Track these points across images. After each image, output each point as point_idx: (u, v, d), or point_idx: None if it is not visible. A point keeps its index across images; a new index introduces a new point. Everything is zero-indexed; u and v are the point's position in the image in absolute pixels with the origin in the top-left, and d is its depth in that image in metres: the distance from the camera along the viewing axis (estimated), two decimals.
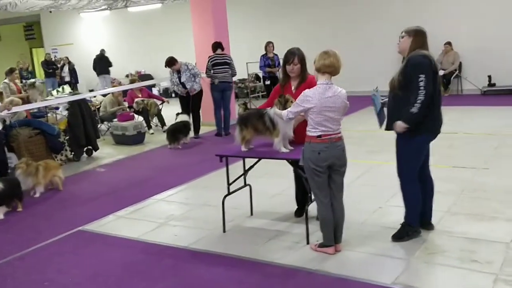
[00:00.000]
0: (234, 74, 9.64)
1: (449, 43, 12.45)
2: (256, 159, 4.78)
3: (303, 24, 14.61)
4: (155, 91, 15.60)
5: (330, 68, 3.86)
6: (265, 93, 13.86)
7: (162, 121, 10.67)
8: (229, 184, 4.75)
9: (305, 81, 4.51)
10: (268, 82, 11.61)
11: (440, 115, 4.08)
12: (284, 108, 4.22)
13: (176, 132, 8.89)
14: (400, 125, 3.97)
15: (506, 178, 5.68)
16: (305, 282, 3.68)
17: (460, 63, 12.58)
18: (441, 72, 12.68)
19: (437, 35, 12.56)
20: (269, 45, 11.56)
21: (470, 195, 5.21)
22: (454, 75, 12.55)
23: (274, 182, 6.09)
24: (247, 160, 4.84)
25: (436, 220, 4.54)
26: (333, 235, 4.07)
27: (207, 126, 10.24)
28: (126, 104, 10.76)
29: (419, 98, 3.85)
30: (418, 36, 4.02)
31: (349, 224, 4.65)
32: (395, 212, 4.85)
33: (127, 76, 18.15)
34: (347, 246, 4.21)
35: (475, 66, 12.39)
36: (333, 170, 3.98)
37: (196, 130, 9.61)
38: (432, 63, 3.91)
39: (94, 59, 17.09)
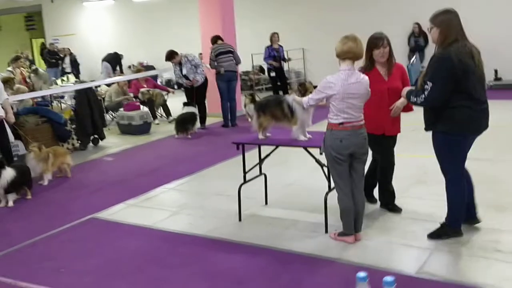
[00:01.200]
0: (238, 62, 9.58)
1: None
2: (273, 148, 4.71)
3: (310, 14, 14.52)
4: (158, 82, 15.48)
5: (350, 54, 3.77)
6: (269, 85, 13.80)
7: (167, 112, 10.59)
8: (245, 173, 4.68)
9: (395, 66, 4.34)
10: (273, 74, 11.52)
11: (480, 114, 3.71)
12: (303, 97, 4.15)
13: (185, 122, 8.82)
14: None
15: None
16: (328, 271, 3.62)
17: None
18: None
19: None
20: (274, 35, 11.46)
21: (487, 187, 5.13)
22: None
23: (289, 171, 6.04)
24: (262, 149, 4.78)
25: None
26: (353, 224, 4.01)
27: (213, 117, 10.16)
28: (131, 94, 10.66)
29: (419, 100, 3.72)
30: (444, 27, 3.63)
31: (367, 214, 4.62)
32: (412, 203, 4.82)
33: (129, 67, 18.04)
34: (366, 235, 4.16)
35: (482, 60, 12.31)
36: (354, 159, 3.91)
37: (202, 120, 9.53)
38: (457, 63, 3.51)
39: (108, 55, 16.65)
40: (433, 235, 3.97)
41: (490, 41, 11.96)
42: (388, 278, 1.32)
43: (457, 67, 3.52)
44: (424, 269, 3.52)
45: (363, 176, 4.04)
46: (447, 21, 3.66)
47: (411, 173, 5.73)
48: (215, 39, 9.54)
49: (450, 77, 3.54)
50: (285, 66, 11.87)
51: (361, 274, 1.33)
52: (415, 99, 3.78)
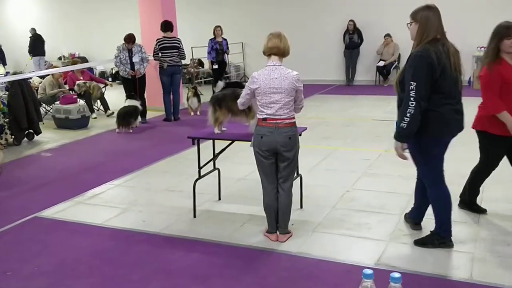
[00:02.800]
0: (183, 58, 9.41)
1: (388, 35, 12.86)
2: (228, 142, 4.68)
3: (250, 9, 14.54)
4: None
5: (274, 50, 3.79)
6: (209, 78, 13.69)
7: (105, 105, 10.23)
8: (200, 168, 4.61)
9: None
10: (216, 66, 11.44)
11: (455, 116, 3.56)
12: None
13: (127, 116, 8.55)
14: (396, 147, 3.58)
15: (461, 164, 5.91)
16: (288, 265, 3.64)
17: (400, 55, 13.03)
18: (381, 63, 13.12)
19: (378, 27, 13.01)
20: (217, 29, 11.36)
21: (455, 182, 5.37)
22: (394, 65, 12.99)
23: (240, 165, 6.02)
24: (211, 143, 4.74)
25: (404, 204, 4.68)
26: (275, 222, 4.01)
27: (154, 111, 9.95)
28: (66, 86, 10.20)
29: (408, 110, 3.40)
30: (423, 23, 3.49)
31: (322, 207, 4.71)
32: (363, 196, 4.97)
33: (59, 58, 17.28)
34: (324, 229, 4.24)
35: None
36: (279, 158, 3.87)
37: (143, 114, 9.30)
38: (436, 60, 3.36)
39: (30, 41, 15.93)
40: (418, 242, 3.84)
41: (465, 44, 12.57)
42: (396, 275, 1.34)
43: (436, 67, 3.38)
44: (382, 261, 3.63)
45: (289, 177, 3.94)
46: (427, 17, 3.52)
47: (353, 167, 5.90)
48: (165, 28, 9.22)
49: (430, 76, 3.38)
50: (226, 58, 11.77)
51: (368, 271, 1.33)
52: (403, 123, 3.45)
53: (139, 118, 8.94)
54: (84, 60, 15.81)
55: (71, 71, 10.36)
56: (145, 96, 9.47)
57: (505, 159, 4.23)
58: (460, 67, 3.53)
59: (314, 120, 8.71)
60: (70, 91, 9.97)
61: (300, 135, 4.62)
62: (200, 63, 14.78)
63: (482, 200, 4.63)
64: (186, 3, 14.82)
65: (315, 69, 13.88)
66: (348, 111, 9.74)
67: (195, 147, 4.62)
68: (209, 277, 3.51)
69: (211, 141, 4.78)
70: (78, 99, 9.62)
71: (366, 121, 8.59)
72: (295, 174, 4.16)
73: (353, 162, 6.11)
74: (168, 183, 5.65)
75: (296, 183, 4.63)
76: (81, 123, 8.99)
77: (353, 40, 13.32)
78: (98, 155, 7.17)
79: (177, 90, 9.45)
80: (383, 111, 9.52)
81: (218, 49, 11.27)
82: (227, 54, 11.76)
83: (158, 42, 9.17)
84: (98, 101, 10.32)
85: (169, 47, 9.15)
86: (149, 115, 9.70)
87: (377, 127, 7.88)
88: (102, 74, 15.94)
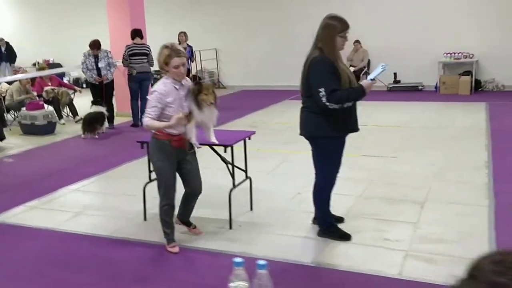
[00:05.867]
0: (151, 65, 9.48)
1: (358, 41, 13.08)
2: None
3: (222, 14, 14.65)
4: (65, 80, 14.89)
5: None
6: None
7: (74, 111, 10.23)
8: (150, 172, 4.69)
9: None
10: None
11: (350, 115, 3.93)
12: (196, 101, 3.86)
13: (93, 122, 8.58)
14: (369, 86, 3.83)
15: (412, 165, 6.11)
16: (228, 263, 3.72)
17: (369, 61, 13.26)
18: (351, 69, 13.30)
19: (348, 33, 13.20)
20: (181, 35, 11.45)
21: (380, 181, 5.55)
22: (363, 71, 13.20)
23: None
24: None
25: (350, 204, 4.82)
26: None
27: (122, 117, 9.99)
28: (35, 93, 10.20)
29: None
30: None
31: (272, 209, 4.82)
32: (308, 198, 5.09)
33: (34, 64, 17.19)
34: (273, 230, 4.35)
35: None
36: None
37: (110, 120, 9.34)
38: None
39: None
40: (321, 233, 4.14)
41: (390, 46, 12.85)
42: (261, 262, 1.45)
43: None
44: (318, 259, 3.75)
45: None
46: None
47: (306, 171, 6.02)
48: (134, 35, 9.31)
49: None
50: (192, 66, 11.83)
51: (238, 259, 1.44)
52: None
53: (106, 124, 8.97)
54: (58, 66, 15.77)
55: (39, 77, 10.36)
56: (114, 102, 9.52)
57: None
58: (306, 74, 3.87)
59: (280, 125, 8.85)
60: (38, 97, 9.96)
61: (249, 138, 4.76)
62: None
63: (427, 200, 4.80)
64: (160, 9, 14.92)
65: (288, 75, 13.99)
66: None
67: None
68: (150, 278, 3.59)
69: None
70: (46, 105, 9.63)
71: None
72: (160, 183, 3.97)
73: (309, 166, 6.21)
74: (125, 188, 5.71)
75: (245, 185, 4.76)
76: (48, 129, 9.00)
77: None
78: (60, 160, 7.20)
79: (145, 96, 9.47)
80: None
81: None
82: (191, 61, 11.81)
83: (128, 48, 9.23)
84: (67, 107, 10.33)
85: (138, 53, 9.22)
86: (118, 120, 9.74)
87: None
88: (77, 80, 15.90)
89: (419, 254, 3.74)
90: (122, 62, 9.28)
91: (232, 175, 4.48)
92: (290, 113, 10.33)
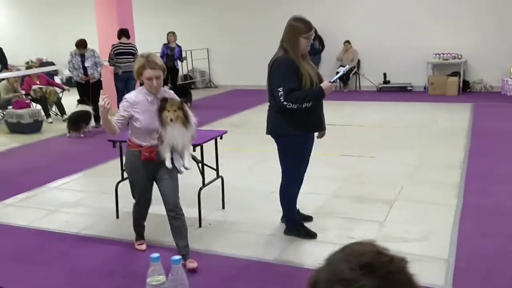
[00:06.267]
0: None
1: (348, 42, 13.13)
2: None
3: (214, 15, 14.70)
4: (57, 79, 14.96)
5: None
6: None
7: (61, 110, 10.29)
8: (123, 170, 4.74)
9: None
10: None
11: (315, 114, 4.01)
12: (160, 118, 3.58)
13: (78, 120, 8.64)
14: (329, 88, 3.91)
15: (388, 165, 6.17)
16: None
17: (359, 61, 13.32)
18: (340, 69, 13.35)
19: (338, 34, 13.27)
20: (170, 34, 11.54)
21: (354, 180, 5.60)
22: (353, 72, 13.26)
23: None
24: None
25: (321, 203, 4.87)
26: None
27: (111, 116, 10.03)
28: (23, 91, 10.26)
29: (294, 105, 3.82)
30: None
31: (244, 208, 4.88)
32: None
33: (27, 63, 17.25)
34: (242, 228, 4.41)
35: (372, 64, 13.19)
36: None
37: (97, 119, 9.38)
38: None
39: None
40: (287, 231, 4.20)
41: (380, 46, 12.90)
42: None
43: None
44: (281, 257, 3.81)
45: None
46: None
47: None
48: (120, 35, 9.37)
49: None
50: (179, 65, 11.87)
51: (155, 255, 1.49)
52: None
53: (92, 123, 9.03)
54: (51, 64, 15.83)
55: (27, 75, 10.42)
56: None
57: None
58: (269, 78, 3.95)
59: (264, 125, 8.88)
60: (25, 96, 10.02)
61: (221, 138, 4.83)
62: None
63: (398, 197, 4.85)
64: (151, 9, 14.97)
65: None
66: None
67: None
68: (113, 274, 3.64)
69: None
70: (34, 104, 9.68)
71: None
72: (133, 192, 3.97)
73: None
74: (103, 185, 5.76)
75: (217, 184, 4.82)
76: (34, 127, 9.05)
77: (314, 46, 13.52)
78: (43, 158, 7.26)
79: None
80: (334, 115, 9.72)
81: (169, 54, 11.42)
82: (181, 61, 11.85)
83: (114, 47, 9.29)
84: (55, 105, 10.39)
85: (124, 53, 9.28)
86: None
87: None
88: (70, 79, 15.92)
89: None
90: (108, 61, 9.34)
91: (202, 174, 4.54)
92: None
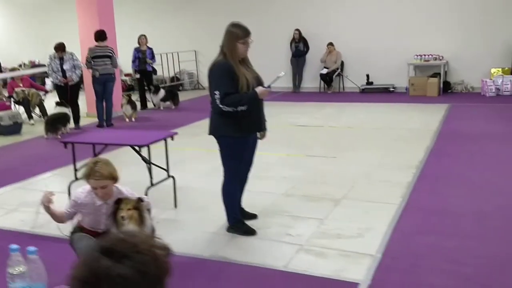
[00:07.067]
0: (115, 67, 9.69)
1: (331, 44, 13.24)
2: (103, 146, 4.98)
3: (201, 18, 14.85)
4: (48, 82, 15.13)
5: None
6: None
7: (44, 112, 10.46)
8: (76, 170, 4.89)
9: None
10: (138, 76, 11.80)
11: (255, 116, 4.17)
12: (114, 219, 3.43)
13: (55, 122, 8.81)
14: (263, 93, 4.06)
15: (347, 165, 6.29)
16: None
17: (342, 62, 13.43)
18: (324, 71, 13.49)
19: (322, 36, 13.39)
20: (141, 37, 11.71)
21: (309, 180, 5.73)
22: (336, 73, 13.38)
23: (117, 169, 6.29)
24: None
25: (269, 202, 5.00)
26: None
27: (91, 118, 10.21)
28: (6, 94, 10.44)
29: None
30: None
31: (195, 207, 5.02)
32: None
33: (20, 66, 17.45)
34: (187, 226, 4.55)
35: (355, 66, 13.31)
36: None
37: (76, 120, 9.56)
38: None
39: None
40: (228, 228, 4.34)
41: (363, 48, 13.02)
42: (31, 248, 1.63)
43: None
44: (218, 253, 3.94)
45: None
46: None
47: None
48: (98, 37, 9.52)
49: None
50: (149, 67, 11.97)
51: (14, 246, 1.62)
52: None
53: (70, 124, 9.19)
54: (43, 67, 16.00)
55: (11, 78, 10.60)
56: (79, 103, 9.73)
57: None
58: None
59: None
60: (8, 98, 10.21)
61: (172, 139, 4.97)
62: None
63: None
64: (139, 11, 15.17)
65: (263, 77, 14.19)
66: (276, 118, 10.06)
67: (112, 151, 4.91)
68: (57, 271, 3.77)
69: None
70: (16, 106, 9.86)
71: (291, 127, 8.88)
72: None
73: (264, 166, 6.32)
74: (64, 186, 5.90)
75: (169, 183, 4.96)
76: (13, 129, 9.23)
77: (299, 48, 13.68)
78: (15, 159, 7.43)
79: (109, 97, 9.72)
80: (311, 117, 9.86)
81: (140, 58, 11.58)
82: (152, 63, 11.94)
83: (91, 50, 9.45)
84: (37, 107, 10.56)
85: (101, 56, 9.44)
86: (86, 121, 9.97)
87: (298, 133, 8.20)
88: None
89: (312, 248, 3.93)
90: (86, 65, 9.50)
91: (150, 174, 4.68)
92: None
